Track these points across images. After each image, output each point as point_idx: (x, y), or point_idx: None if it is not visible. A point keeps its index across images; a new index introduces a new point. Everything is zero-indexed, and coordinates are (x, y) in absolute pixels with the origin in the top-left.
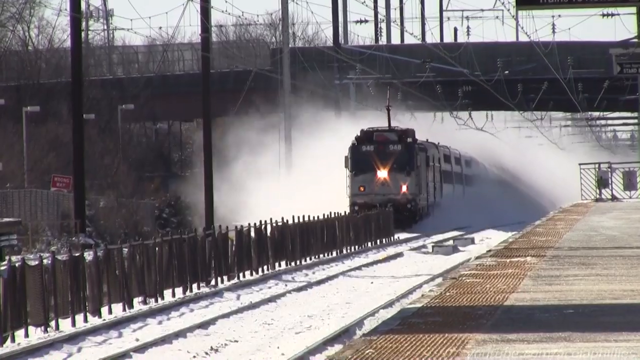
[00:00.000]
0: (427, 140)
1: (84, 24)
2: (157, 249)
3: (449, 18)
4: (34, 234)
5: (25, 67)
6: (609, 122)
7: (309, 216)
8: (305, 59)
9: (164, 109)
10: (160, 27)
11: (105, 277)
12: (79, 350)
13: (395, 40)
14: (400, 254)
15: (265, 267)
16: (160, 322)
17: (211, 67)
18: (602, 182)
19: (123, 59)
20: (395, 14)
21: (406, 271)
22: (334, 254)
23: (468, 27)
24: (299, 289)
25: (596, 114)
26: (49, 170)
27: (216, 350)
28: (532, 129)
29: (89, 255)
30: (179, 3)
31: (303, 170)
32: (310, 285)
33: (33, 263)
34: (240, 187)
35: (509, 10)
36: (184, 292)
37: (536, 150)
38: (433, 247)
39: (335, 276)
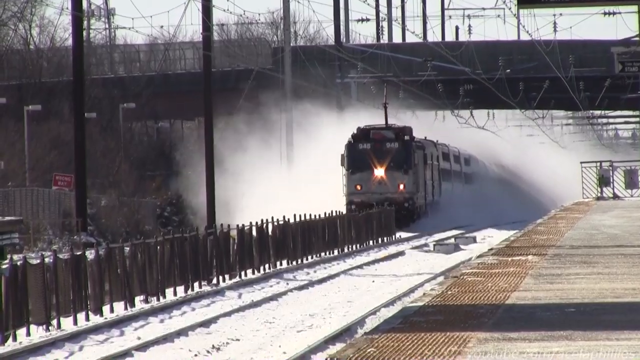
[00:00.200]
0: (425, 138)
1: (85, 22)
2: (158, 247)
3: (450, 17)
4: (35, 233)
5: (26, 66)
6: (611, 120)
7: (310, 215)
8: (306, 58)
9: (165, 107)
10: (162, 26)
11: (107, 275)
12: (81, 348)
13: (397, 38)
14: (401, 253)
15: (266, 265)
16: (161, 321)
17: (213, 66)
18: (604, 180)
19: (124, 57)
20: (396, 13)
21: (407, 270)
22: (336, 252)
23: (469, 26)
24: (301, 288)
25: (597, 112)
26: (50, 168)
27: (218, 349)
28: (533, 128)
29: (90, 254)
30: (180, 2)
31: (304, 169)
32: (311, 283)
33: (35, 262)
34: (241, 186)
35: (510, 8)
36: (186, 290)
37: (537, 148)
38: (434, 245)
39: (337, 275)
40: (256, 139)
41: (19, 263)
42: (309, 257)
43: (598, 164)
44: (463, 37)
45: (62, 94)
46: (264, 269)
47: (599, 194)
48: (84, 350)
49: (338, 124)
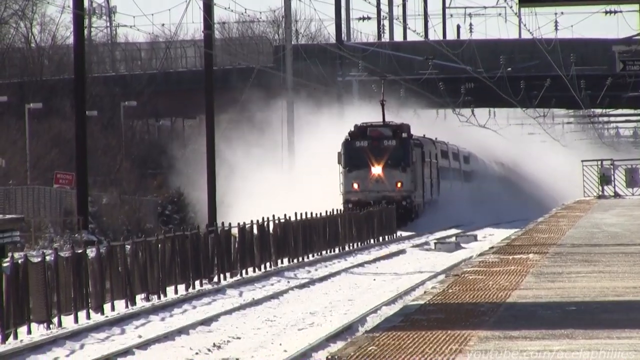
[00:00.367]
0: (424, 135)
1: (86, 20)
2: (159, 245)
3: (451, 15)
4: (36, 231)
5: (28, 64)
6: (612, 119)
7: (311, 213)
8: (308, 56)
9: (166, 105)
10: (163, 24)
11: (108, 273)
12: (82, 346)
13: (398, 37)
14: (402, 251)
15: (267, 264)
16: (162, 319)
17: (214, 64)
18: (605, 179)
19: (126, 55)
20: (398, 11)
21: (409, 268)
22: (336, 250)
23: (471, 24)
24: (302, 286)
25: (599, 111)
26: (51, 167)
27: (219, 347)
28: (534, 126)
29: (91, 252)
30: (181, 0)
31: (305, 167)
32: (312, 282)
33: (36, 260)
34: (242, 184)
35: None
36: (187, 289)
37: (539, 147)
38: (435, 244)
39: (338, 273)
40: (257, 137)
41: (20, 261)
42: (310, 256)
43: (599, 162)
44: (464, 35)
45: (63, 92)
46: (265, 267)
47: (600, 193)
48: (85, 348)
49: (339, 122)
